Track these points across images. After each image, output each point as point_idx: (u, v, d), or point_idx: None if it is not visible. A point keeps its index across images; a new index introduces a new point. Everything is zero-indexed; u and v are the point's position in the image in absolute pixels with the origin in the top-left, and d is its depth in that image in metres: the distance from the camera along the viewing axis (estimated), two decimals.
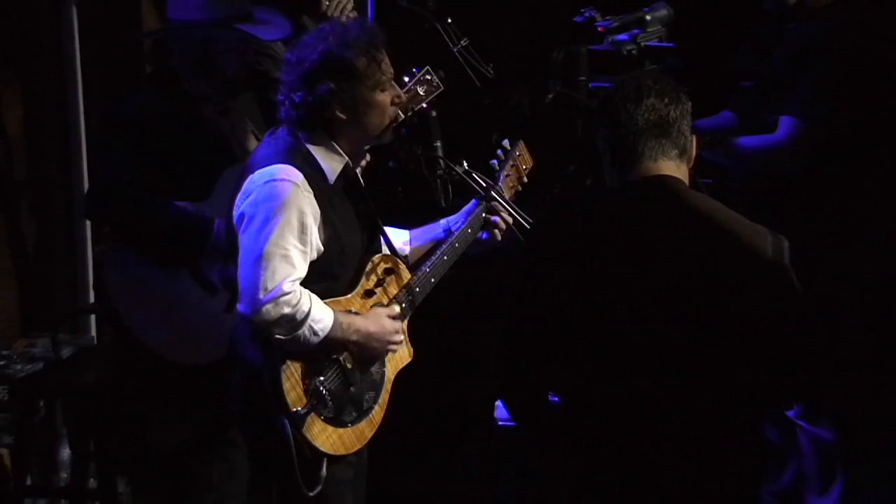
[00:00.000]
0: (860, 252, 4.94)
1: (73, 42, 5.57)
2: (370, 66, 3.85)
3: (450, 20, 4.53)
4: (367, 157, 4.31)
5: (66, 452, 5.35)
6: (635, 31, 4.58)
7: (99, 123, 4.47)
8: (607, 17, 4.59)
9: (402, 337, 4.03)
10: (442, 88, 4.57)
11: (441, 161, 4.09)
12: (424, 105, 4.55)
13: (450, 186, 4.15)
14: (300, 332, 3.77)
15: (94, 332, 5.65)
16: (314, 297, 3.82)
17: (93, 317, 5.63)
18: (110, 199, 4.31)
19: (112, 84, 5.63)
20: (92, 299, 5.62)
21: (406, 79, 4.46)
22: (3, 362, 5.10)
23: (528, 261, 3.44)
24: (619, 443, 3.31)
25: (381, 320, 3.96)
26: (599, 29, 4.56)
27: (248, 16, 4.33)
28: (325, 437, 3.85)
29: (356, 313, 3.93)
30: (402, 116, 4.02)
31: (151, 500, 5.13)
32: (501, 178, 4.28)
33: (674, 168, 3.36)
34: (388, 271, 4.01)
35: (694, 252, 3.26)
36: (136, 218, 4.30)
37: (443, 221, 4.23)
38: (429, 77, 4.55)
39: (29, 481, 5.12)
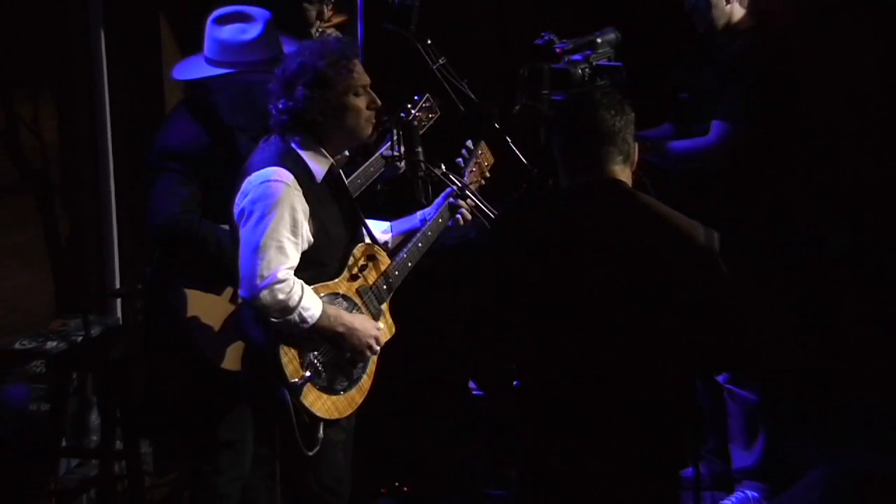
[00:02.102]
0: (777, 241, 5.22)
1: (101, 62, 5.73)
2: (340, 73, 4.00)
3: (429, 41, 4.67)
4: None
5: (95, 418, 5.51)
6: (587, 52, 4.70)
7: (150, 155, 4.54)
8: (564, 40, 4.71)
9: (378, 347, 4.15)
10: (439, 114, 4.72)
11: (422, 164, 4.24)
12: (425, 126, 4.69)
13: (429, 186, 4.29)
14: (291, 317, 3.94)
15: (119, 314, 5.80)
16: (307, 287, 3.97)
17: (118, 300, 5.79)
18: (178, 229, 4.37)
19: (134, 98, 5.80)
20: (118, 284, 5.80)
21: (409, 105, 4.61)
22: (40, 340, 5.24)
23: (492, 249, 3.64)
24: (572, 409, 3.50)
25: (367, 322, 4.13)
26: (557, 50, 4.65)
27: (282, 56, 4.37)
28: (321, 404, 4.05)
29: (344, 296, 4.11)
30: (384, 119, 4.19)
31: (170, 462, 5.55)
32: (466, 173, 4.52)
33: (619, 171, 3.57)
34: (369, 258, 4.23)
35: (637, 242, 3.47)
36: (199, 244, 4.39)
37: (419, 213, 4.48)
38: (428, 104, 4.71)
39: (63, 443, 5.29)
